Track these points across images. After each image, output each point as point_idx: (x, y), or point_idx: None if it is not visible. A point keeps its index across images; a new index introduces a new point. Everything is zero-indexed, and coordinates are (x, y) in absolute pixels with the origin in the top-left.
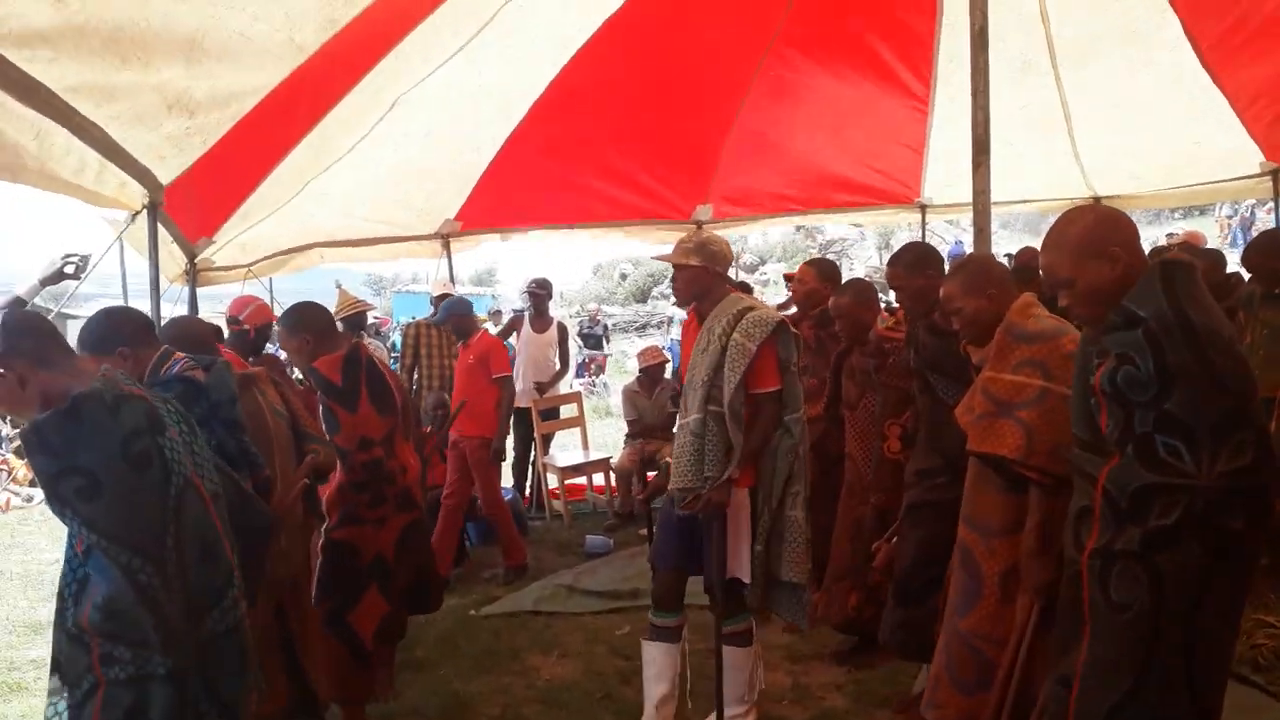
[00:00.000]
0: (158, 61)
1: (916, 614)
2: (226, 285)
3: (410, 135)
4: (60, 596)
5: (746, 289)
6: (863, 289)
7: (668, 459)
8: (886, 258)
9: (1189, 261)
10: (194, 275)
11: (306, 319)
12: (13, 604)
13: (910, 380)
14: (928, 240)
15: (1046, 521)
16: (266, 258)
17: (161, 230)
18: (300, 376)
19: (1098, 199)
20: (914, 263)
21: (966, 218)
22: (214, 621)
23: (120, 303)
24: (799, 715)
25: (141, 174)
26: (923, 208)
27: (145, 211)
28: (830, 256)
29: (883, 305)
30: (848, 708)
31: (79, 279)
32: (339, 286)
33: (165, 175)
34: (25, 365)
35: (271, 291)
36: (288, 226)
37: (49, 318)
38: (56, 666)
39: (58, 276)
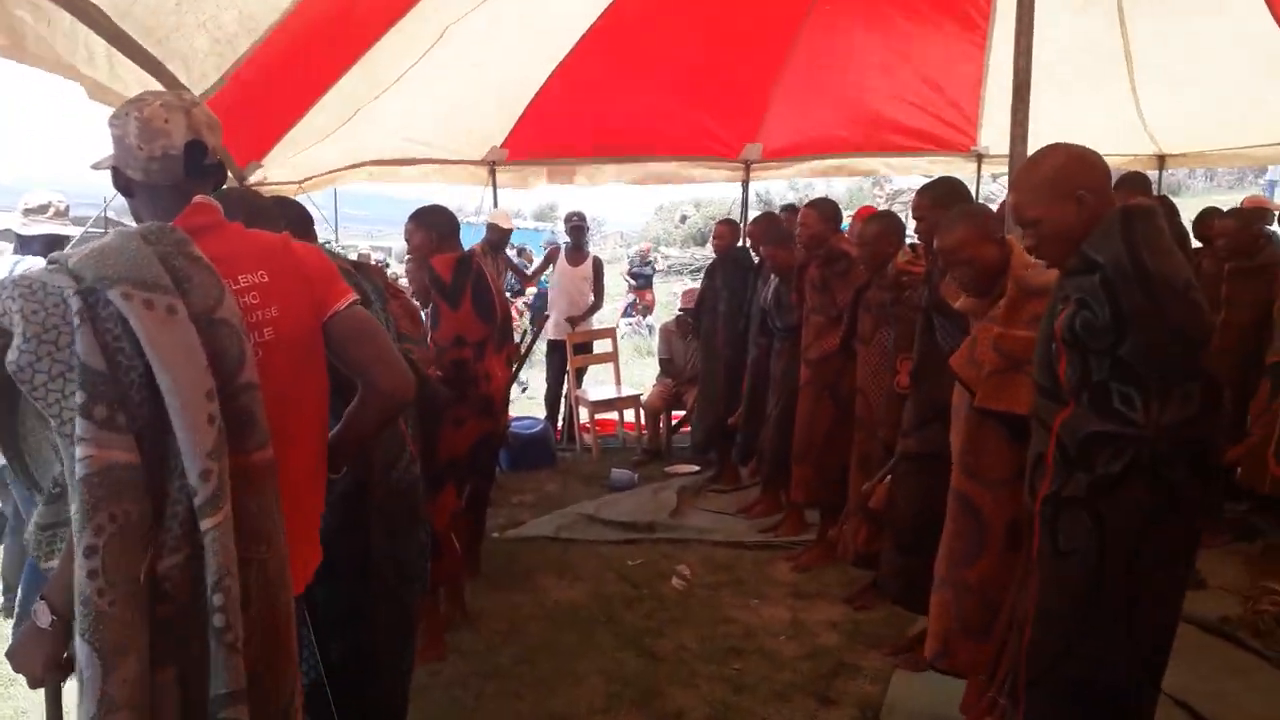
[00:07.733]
0: None
1: (915, 563)
2: None
3: (458, 65)
4: None
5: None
6: (889, 221)
7: None
8: None
9: (1150, 207)
10: None
11: (433, 218)
12: None
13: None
14: (981, 200)
15: None
16: (315, 176)
17: None
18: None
19: (1163, 157)
20: (942, 196)
21: None
22: (395, 479)
23: None
24: (791, 650)
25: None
26: (979, 157)
27: None
28: (899, 206)
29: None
30: (840, 645)
31: None
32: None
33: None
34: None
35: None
36: (335, 147)
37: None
38: None
39: None
